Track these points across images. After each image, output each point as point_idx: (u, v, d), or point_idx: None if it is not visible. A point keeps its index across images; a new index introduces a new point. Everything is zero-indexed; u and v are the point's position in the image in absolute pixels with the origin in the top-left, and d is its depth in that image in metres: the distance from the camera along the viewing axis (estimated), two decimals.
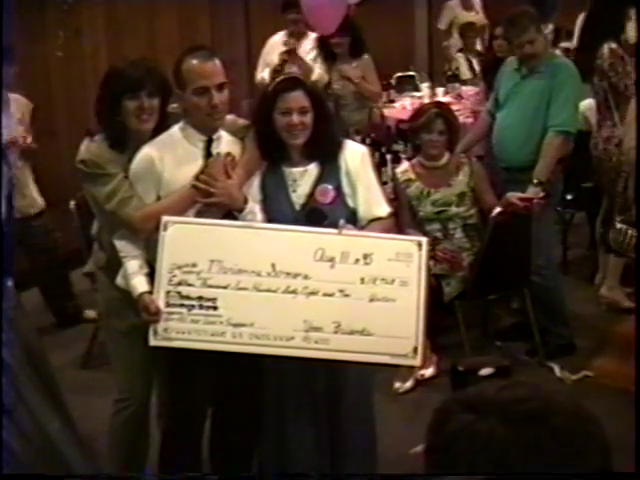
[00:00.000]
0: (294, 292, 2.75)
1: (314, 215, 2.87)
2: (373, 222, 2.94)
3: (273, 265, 2.75)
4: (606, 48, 4.57)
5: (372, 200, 2.96)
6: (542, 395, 1.09)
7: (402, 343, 2.74)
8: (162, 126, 2.94)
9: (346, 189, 2.92)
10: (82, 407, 3.47)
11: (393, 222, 3.12)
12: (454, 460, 1.06)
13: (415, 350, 2.73)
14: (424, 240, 2.83)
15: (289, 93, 2.85)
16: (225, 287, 2.76)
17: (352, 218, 2.92)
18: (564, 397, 1.10)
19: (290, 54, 5.49)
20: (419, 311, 2.74)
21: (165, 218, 2.77)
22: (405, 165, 4.54)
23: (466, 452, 1.05)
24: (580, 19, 7.00)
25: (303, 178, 2.92)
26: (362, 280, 2.75)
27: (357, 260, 2.75)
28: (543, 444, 1.03)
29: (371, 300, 2.74)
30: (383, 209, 2.98)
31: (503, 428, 1.04)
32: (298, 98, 2.85)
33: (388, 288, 2.74)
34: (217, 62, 2.85)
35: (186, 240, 2.78)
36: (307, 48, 5.74)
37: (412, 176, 4.38)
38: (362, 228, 2.93)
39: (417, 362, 2.80)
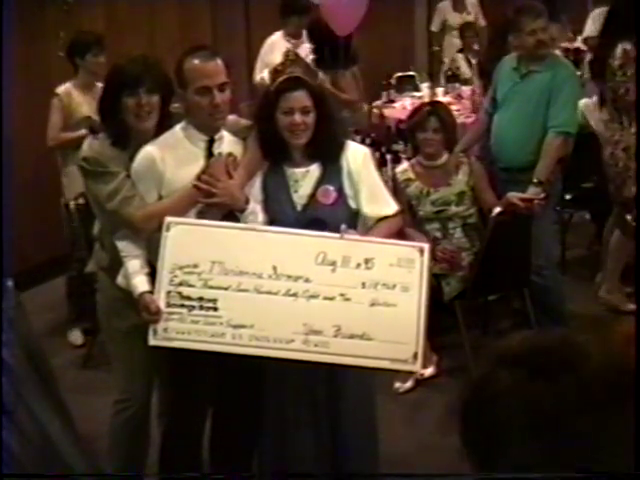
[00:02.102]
0: (295, 295, 2.75)
1: (314, 224, 2.86)
2: (381, 221, 2.94)
3: (274, 267, 2.75)
4: (620, 48, 4.53)
5: (378, 199, 2.96)
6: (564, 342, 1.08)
7: (402, 348, 2.73)
8: (164, 125, 2.94)
9: (348, 190, 2.92)
10: (82, 407, 3.46)
11: (401, 219, 3.11)
12: (491, 422, 1.05)
13: (415, 356, 2.73)
14: (426, 246, 2.83)
15: (292, 93, 2.85)
16: (226, 288, 2.76)
17: (354, 219, 2.92)
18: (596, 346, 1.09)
19: (294, 60, 5.43)
20: (420, 317, 2.74)
21: (168, 219, 2.77)
22: (404, 165, 4.54)
23: (505, 412, 1.04)
24: (592, 16, 6.98)
25: (305, 179, 2.92)
26: (363, 285, 2.75)
27: (358, 265, 2.75)
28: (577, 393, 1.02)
29: (372, 305, 2.74)
30: (391, 207, 2.98)
31: (543, 382, 1.03)
32: (300, 98, 2.85)
33: (389, 293, 2.74)
34: (219, 62, 2.85)
35: (188, 241, 2.78)
36: (306, 51, 5.72)
37: (411, 176, 4.38)
38: (370, 228, 2.93)
39: (417, 368, 2.81)
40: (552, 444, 1.01)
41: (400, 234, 3.20)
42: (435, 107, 4.45)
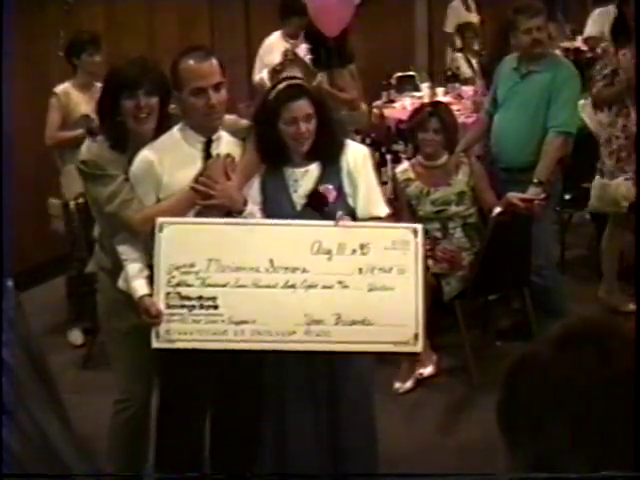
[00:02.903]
0: (293, 286, 2.76)
1: (315, 200, 2.86)
2: (371, 220, 2.94)
3: (271, 260, 2.76)
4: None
5: (372, 200, 2.96)
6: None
7: (403, 331, 2.76)
8: (164, 127, 2.93)
9: (347, 189, 2.92)
10: (82, 407, 3.47)
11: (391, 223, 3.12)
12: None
13: (416, 337, 2.76)
14: (419, 227, 2.85)
15: (294, 102, 2.83)
16: (224, 285, 2.76)
17: (353, 218, 2.92)
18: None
19: (292, 60, 5.42)
20: (418, 298, 2.76)
21: (160, 219, 2.76)
22: (405, 165, 4.54)
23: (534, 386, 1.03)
24: (592, 16, 6.99)
25: (304, 178, 2.92)
26: (360, 270, 2.76)
27: (354, 251, 2.77)
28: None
29: (370, 290, 2.76)
30: (382, 209, 2.99)
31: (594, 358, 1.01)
32: (303, 106, 2.83)
33: (386, 277, 2.76)
34: (214, 62, 2.83)
35: (182, 240, 2.78)
36: (303, 52, 5.71)
37: (412, 175, 4.38)
38: None
39: (418, 348, 2.82)
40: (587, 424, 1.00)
41: None
42: (437, 108, 4.45)
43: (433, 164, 4.35)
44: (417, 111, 4.56)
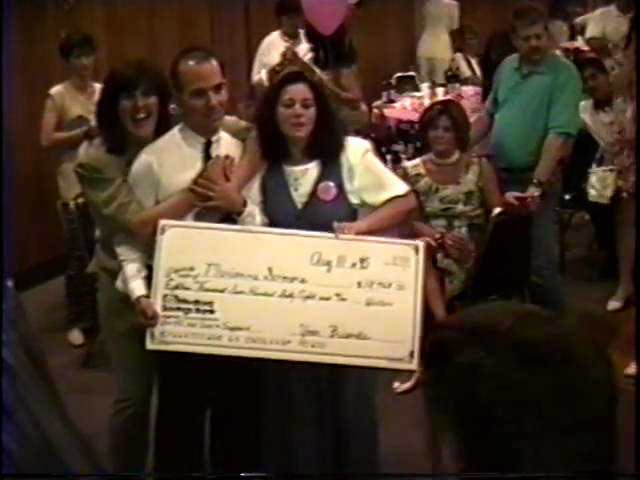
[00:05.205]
0: (291, 296, 2.75)
1: (315, 223, 2.85)
2: (393, 200, 2.90)
3: (270, 269, 2.75)
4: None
5: (387, 183, 2.94)
6: (560, 338, 1.05)
7: (399, 347, 2.73)
8: (163, 127, 2.93)
9: (348, 186, 2.92)
10: (82, 407, 3.47)
11: (414, 199, 3.08)
12: (458, 394, 1.03)
13: (412, 354, 2.73)
14: (421, 244, 2.83)
15: (293, 85, 2.85)
16: (222, 291, 2.76)
17: (353, 216, 2.92)
18: (582, 341, 1.06)
19: (292, 60, 5.42)
20: (416, 315, 2.74)
21: (162, 222, 2.77)
22: (416, 160, 4.54)
23: (472, 388, 1.01)
24: (593, 16, 7.00)
25: (304, 177, 2.92)
26: (359, 284, 2.75)
27: (354, 264, 2.75)
28: (559, 391, 1.00)
29: (368, 304, 2.74)
30: (401, 187, 2.96)
31: (518, 370, 1.00)
32: (301, 90, 2.85)
33: (385, 292, 2.74)
34: (214, 63, 2.83)
35: (183, 244, 2.78)
36: (302, 52, 5.71)
37: (422, 171, 4.37)
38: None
39: (413, 366, 2.79)
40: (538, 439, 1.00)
41: (409, 228, 3.17)
42: (447, 106, 4.45)
43: (445, 162, 4.35)
44: (428, 109, 4.57)
